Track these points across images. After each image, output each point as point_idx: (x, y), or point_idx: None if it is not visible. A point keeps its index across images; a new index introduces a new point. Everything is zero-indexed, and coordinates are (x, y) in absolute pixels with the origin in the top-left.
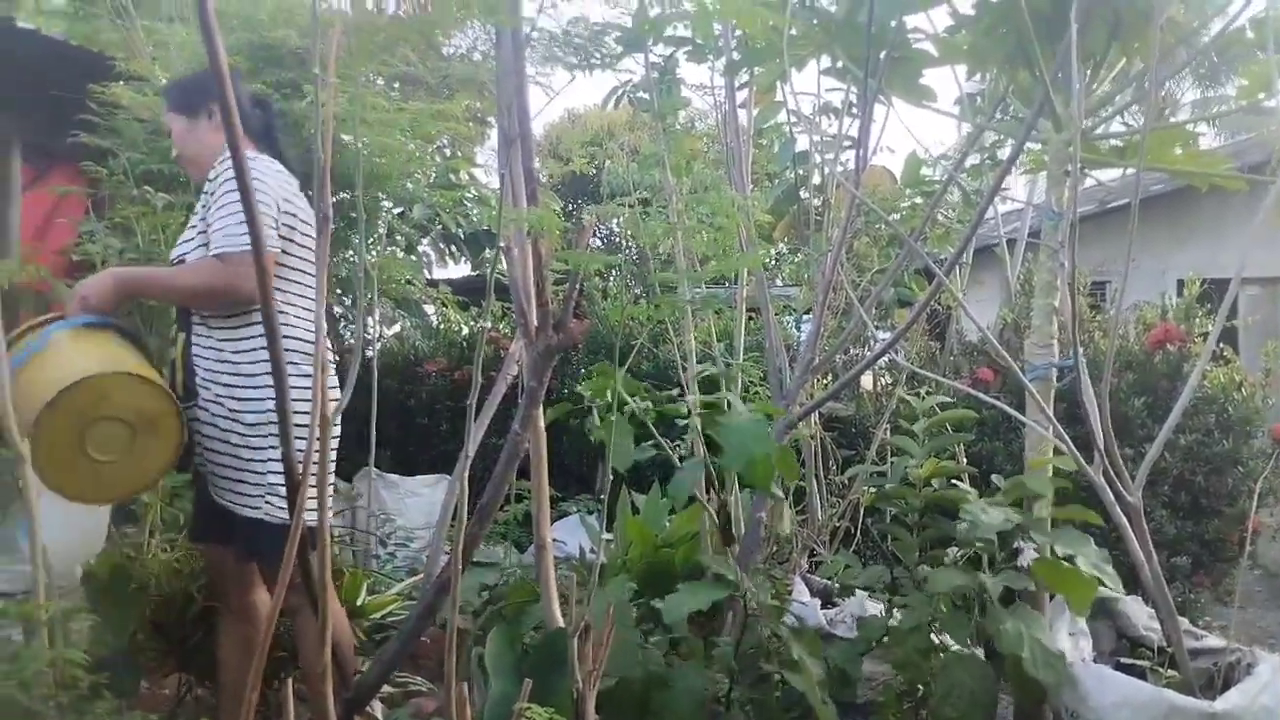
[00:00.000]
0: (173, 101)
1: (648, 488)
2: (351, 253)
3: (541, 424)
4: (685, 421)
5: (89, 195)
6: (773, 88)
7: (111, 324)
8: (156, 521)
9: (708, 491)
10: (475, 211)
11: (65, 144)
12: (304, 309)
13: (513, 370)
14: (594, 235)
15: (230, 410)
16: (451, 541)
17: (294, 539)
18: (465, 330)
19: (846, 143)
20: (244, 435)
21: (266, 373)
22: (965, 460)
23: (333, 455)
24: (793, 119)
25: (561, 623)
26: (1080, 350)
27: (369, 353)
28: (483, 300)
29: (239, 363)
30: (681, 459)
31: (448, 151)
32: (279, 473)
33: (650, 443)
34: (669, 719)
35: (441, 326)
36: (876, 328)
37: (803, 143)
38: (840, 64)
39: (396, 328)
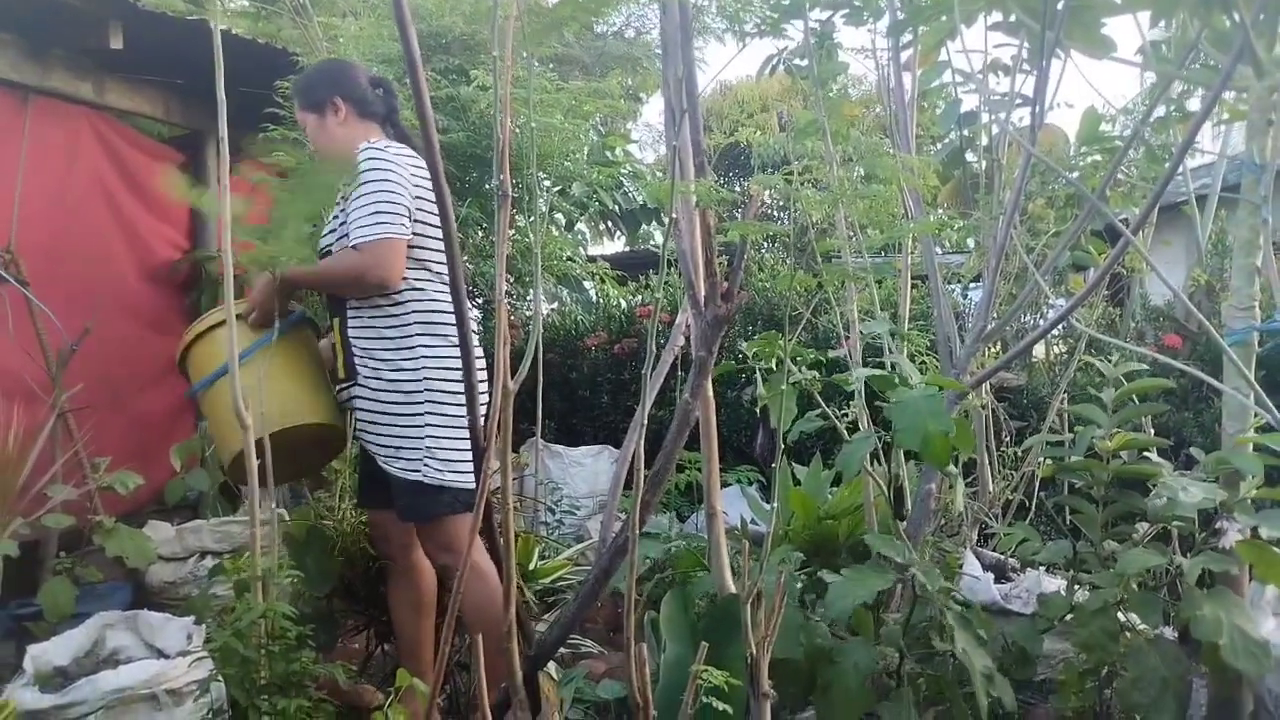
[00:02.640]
0: (300, 100)
1: (807, 459)
2: (514, 232)
3: (710, 393)
4: (852, 389)
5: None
6: (937, 48)
7: (296, 321)
8: (346, 487)
9: (873, 462)
10: (631, 188)
11: (254, 136)
12: (441, 285)
13: (679, 341)
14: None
15: (389, 381)
16: (625, 508)
17: (480, 503)
18: (623, 304)
19: (1018, 100)
20: (401, 404)
21: (423, 345)
22: (1153, 432)
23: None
24: (959, 79)
25: (734, 589)
26: None
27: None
28: (639, 274)
29: (393, 336)
30: (849, 429)
31: (602, 129)
32: (436, 438)
33: (817, 412)
34: (837, 693)
35: (600, 301)
36: (1052, 293)
37: (969, 103)
38: (1013, 18)
39: (555, 304)
